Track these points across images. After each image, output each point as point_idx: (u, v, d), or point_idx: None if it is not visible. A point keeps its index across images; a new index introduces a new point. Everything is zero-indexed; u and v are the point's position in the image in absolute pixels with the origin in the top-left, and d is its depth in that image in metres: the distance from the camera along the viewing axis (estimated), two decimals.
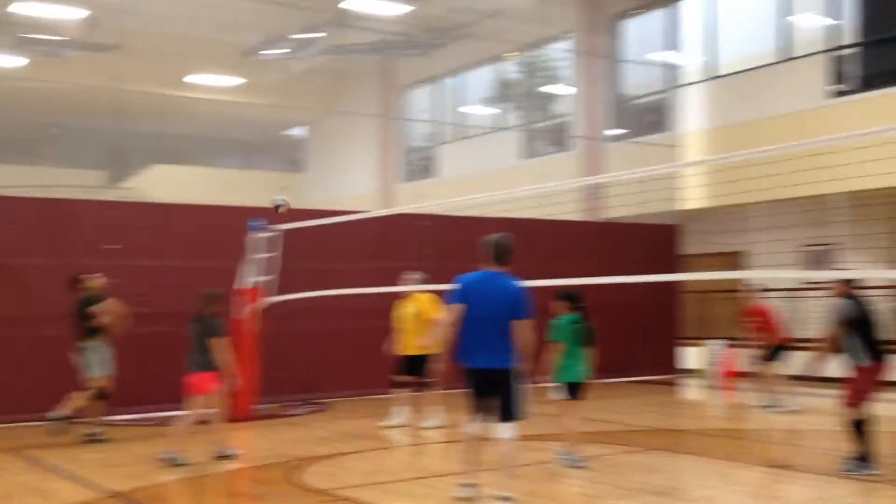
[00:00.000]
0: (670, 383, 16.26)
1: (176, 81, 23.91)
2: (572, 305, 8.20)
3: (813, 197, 15.07)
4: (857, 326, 7.67)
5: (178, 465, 8.12)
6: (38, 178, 22.97)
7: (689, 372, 16.58)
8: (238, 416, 11.44)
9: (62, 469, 8.32)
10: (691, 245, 17.92)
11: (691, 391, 14.88)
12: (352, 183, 27.37)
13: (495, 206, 15.25)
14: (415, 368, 10.55)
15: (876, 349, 7.72)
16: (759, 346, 12.03)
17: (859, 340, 7.66)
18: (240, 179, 27.59)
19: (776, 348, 11.96)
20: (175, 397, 12.23)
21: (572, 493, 7.21)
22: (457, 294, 6.72)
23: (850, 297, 7.83)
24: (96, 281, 10.33)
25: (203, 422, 8.51)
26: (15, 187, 20.35)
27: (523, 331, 6.52)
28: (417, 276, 11.09)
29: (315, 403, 13.19)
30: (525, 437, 9.18)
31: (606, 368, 15.99)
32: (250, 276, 11.98)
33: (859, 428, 7.58)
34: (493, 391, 6.59)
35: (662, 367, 17.09)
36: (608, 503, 6.72)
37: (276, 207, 10.26)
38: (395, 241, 14.53)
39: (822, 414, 12.19)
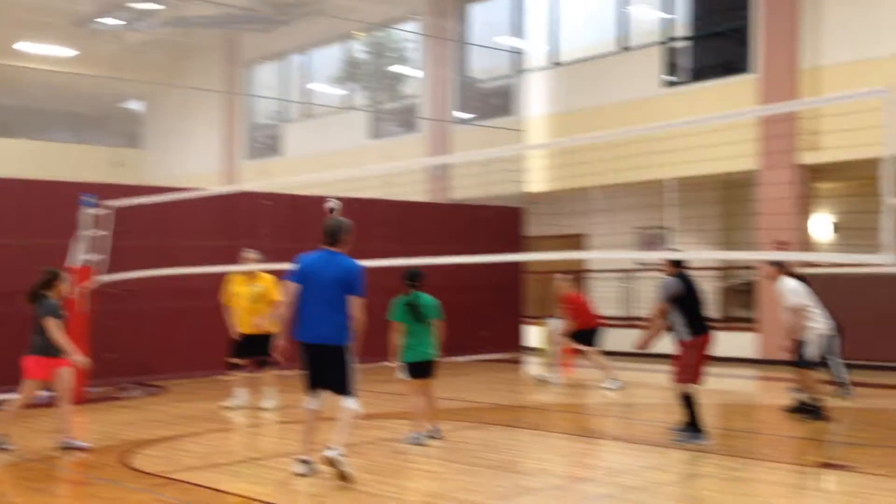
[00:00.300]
0: (515, 361, 16.64)
1: (3, 49, 22.46)
2: (410, 285, 8.22)
3: (648, 182, 15.72)
4: (682, 303, 7.96)
5: (2, 450, 7.69)
6: None
7: (532, 350, 17.00)
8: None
9: None
10: (535, 227, 18.37)
11: (533, 368, 15.26)
12: (194, 160, 26.53)
13: (341, 186, 15.12)
14: (253, 348, 10.33)
15: (700, 324, 8.04)
16: (572, 330, 12.56)
17: (684, 316, 7.96)
18: (72, 153, 26.23)
19: (591, 331, 12.49)
20: (3, 379, 11.59)
21: (413, 469, 7.26)
22: (295, 273, 6.87)
23: (678, 275, 8.11)
24: None
25: (41, 405, 8.12)
26: None
27: (355, 308, 6.71)
28: (256, 254, 10.83)
29: (150, 385, 12.74)
30: (369, 416, 9.20)
31: (452, 347, 16.37)
32: (81, 253, 11.41)
33: (688, 401, 7.91)
34: (328, 367, 6.72)
35: (507, 345, 17.46)
36: (447, 478, 6.79)
37: (331, 210, 9.68)
38: (238, 220, 14.19)
39: (654, 388, 12.79)
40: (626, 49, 17.76)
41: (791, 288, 9.42)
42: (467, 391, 12.33)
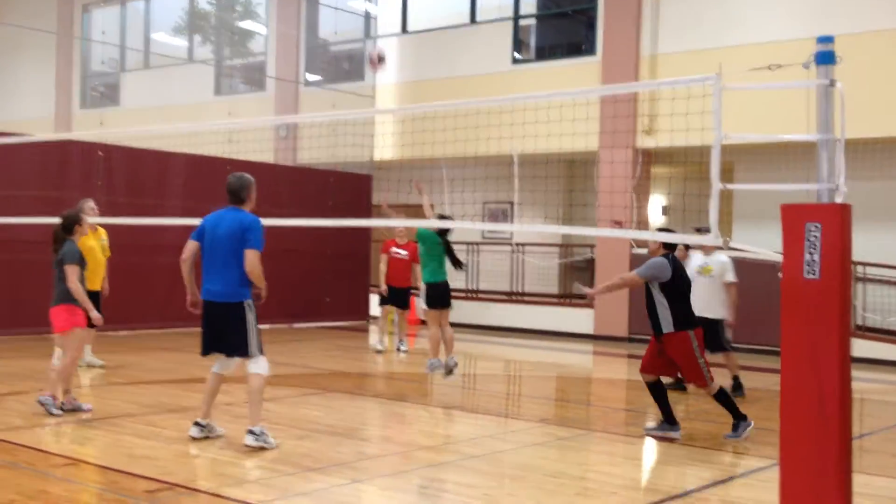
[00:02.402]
0: (361, 329, 16.63)
1: None
2: None
3: (495, 156, 15.97)
4: (669, 290, 7.30)
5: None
6: None
7: (375, 318, 17.04)
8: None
9: None
10: (382, 195, 18.30)
11: (374, 337, 15.30)
12: (21, 105, 24.89)
13: (182, 140, 14.60)
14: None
15: (690, 317, 7.39)
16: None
17: (670, 305, 7.30)
18: None
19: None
20: None
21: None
22: (196, 231, 6.74)
23: (666, 257, 7.41)
24: None
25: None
26: None
27: (249, 260, 6.48)
28: (91, 204, 10.24)
29: None
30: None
31: (297, 313, 16.24)
32: None
33: (724, 395, 7.45)
34: (226, 327, 6.56)
35: (353, 313, 17.42)
36: (287, 443, 6.72)
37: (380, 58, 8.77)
38: (69, 171, 13.47)
39: (494, 360, 13.08)
40: (476, 23, 17.91)
41: (729, 262, 9.38)
42: (310, 358, 12.24)
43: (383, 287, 12.71)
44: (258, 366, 6.59)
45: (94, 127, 21.74)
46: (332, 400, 8.92)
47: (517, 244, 17.92)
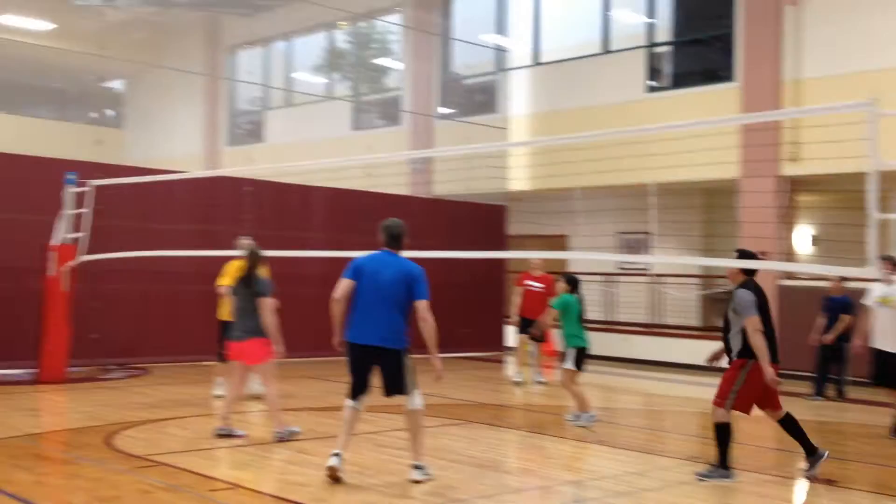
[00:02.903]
0: (497, 360, 16.69)
1: None
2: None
3: (630, 186, 15.83)
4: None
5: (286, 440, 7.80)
6: None
7: (512, 349, 17.08)
8: (50, 377, 10.88)
9: None
10: (517, 226, 18.44)
11: (512, 368, 15.33)
12: (174, 143, 26.27)
13: (323, 176, 15.10)
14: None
15: (772, 347, 6.86)
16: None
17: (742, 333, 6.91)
18: (51, 130, 25.89)
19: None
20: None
21: (397, 464, 7.26)
22: (349, 270, 6.63)
23: (749, 285, 7.00)
24: None
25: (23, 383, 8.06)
26: None
27: (423, 312, 6.46)
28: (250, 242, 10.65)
29: (134, 368, 12.67)
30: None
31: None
32: (64, 232, 11.31)
33: (723, 432, 7.06)
34: (383, 371, 6.55)
35: (489, 343, 17.51)
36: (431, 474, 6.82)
37: None
38: (219, 205, 14.12)
39: (637, 394, 12.89)
40: (609, 52, 17.86)
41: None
42: (448, 388, 12.37)
43: (513, 318, 12.84)
44: (416, 401, 6.61)
45: (241, 162, 22.71)
46: (473, 431, 8.99)
47: (655, 275, 17.63)
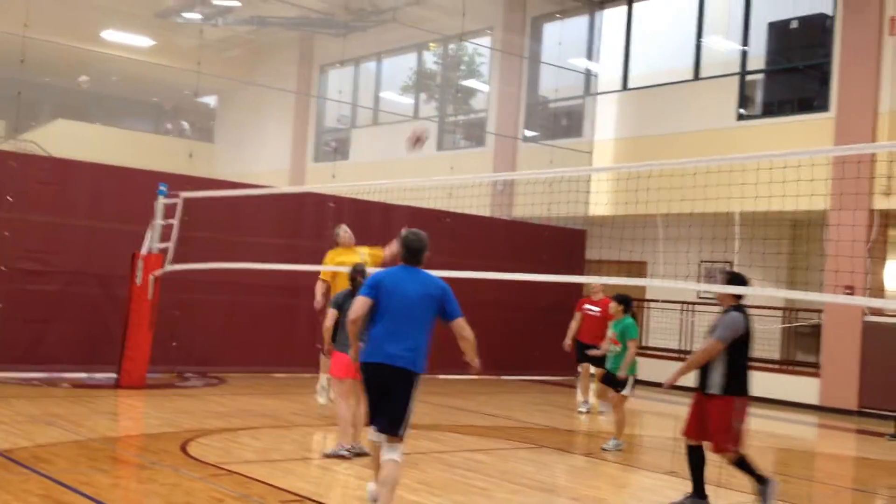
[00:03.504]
0: (570, 385, 16.53)
1: (88, 36, 23.03)
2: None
3: (714, 214, 15.53)
4: (733, 348, 6.70)
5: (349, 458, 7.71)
6: None
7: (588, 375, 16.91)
8: (130, 382, 11.19)
9: None
10: (596, 251, 18.27)
11: (581, 397, 15.16)
12: (261, 158, 26.89)
13: (407, 194, 15.24)
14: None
15: (745, 382, 6.80)
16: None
17: (727, 365, 6.72)
18: (144, 142, 26.80)
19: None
20: (68, 358, 11.93)
21: (464, 484, 7.25)
22: (368, 286, 6.03)
23: (738, 309, 6.84)
24: None
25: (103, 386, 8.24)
26: None
27: (464, 328, 5.94)
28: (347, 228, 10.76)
29: (210, 377, 12.95)
30: (423, 427, 9.26)
31: (504, 365, 16.42)
32: (153, 242, 11.66)
33: (743, 462, 6.87)
34: (391, 394, 5.81)
35: (564, 368, 17.36)
36: (499, 497, 6.78)
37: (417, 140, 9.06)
38: (303, 220, 14.38)
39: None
40: (701, 78, 17.62)
41: None
42: (519, 411, 12.31)
43: (567, 342, 12.68)
44: (398, 452, 5.78)
45: (326, 179, 23.08)
46: (542, 455, 8.92)
47: None
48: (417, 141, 10.11)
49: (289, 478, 7.05)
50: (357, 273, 7.97)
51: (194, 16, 22.39)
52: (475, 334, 6.00)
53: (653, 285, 17.58)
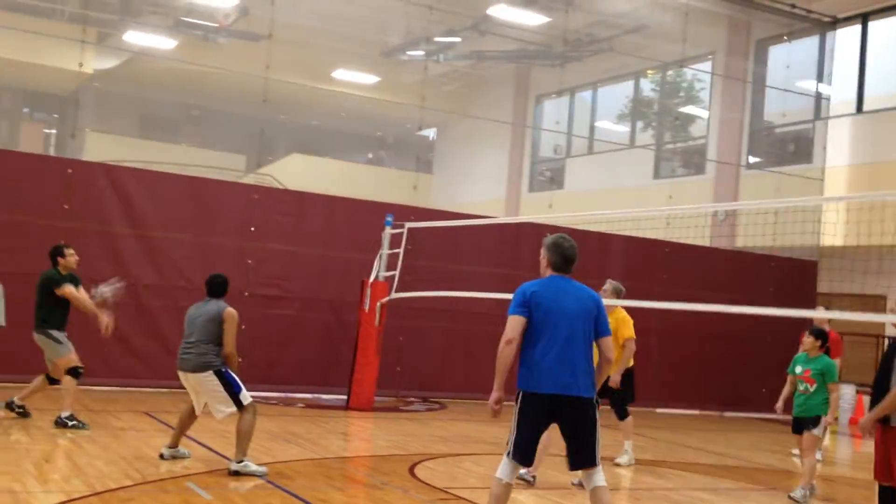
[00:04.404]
0: None
1: (320, 76, 24.49)
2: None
3: None
4: None
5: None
6: (180, 156, 23.90)
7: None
8: (358, 405, 11.70)
9: (192, 437, 8.62)
10: (828, 283, 17.25)
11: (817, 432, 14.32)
12: (478, 188, 27.45)
13: (623, 225, 15.06)
14: (615, 395, 9.88)
15: None
16: None
17: None
18: (370, 175, 28.09)
19: None
20: (302, 379, 12.65)
21: None
22: (520, 304, 5.37)
23: None
24: (71, 258, 8.89)
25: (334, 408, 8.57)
26: (157, 163, 21.21)
27: (608, 349, 5.37)
28: (609, 287, 10.15)
29: (432, 401, 13.31)
30: (643, 462, 9.05)
31: (727, 401, 15.79)
32: (380, 270, 12.18)
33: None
34: (575, 427, 5.25)
35: (789, 407, 16.48)
36: None
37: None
38: (520, 249, 14.52)
39: None
40: None
41: None
42: (747, 450, 11.79)
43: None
44: (602, 475, 5.25)
45: (541, 208, 23.22)
46: (776, 499, 8.48)
47: None
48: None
49: None
50: None
51: (417, 53, 23.27)
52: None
53: (893, 321, 16.41)
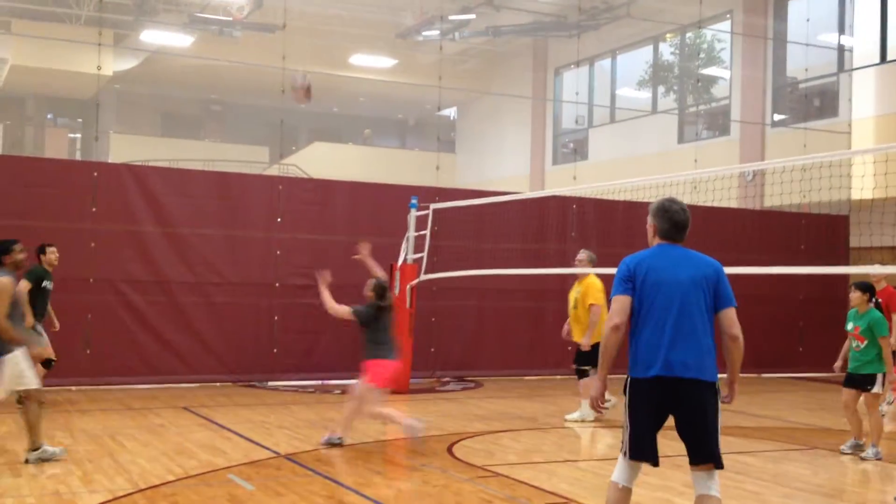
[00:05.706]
0: (838, 381, 15.54)
1: (337, 62, 24.50)
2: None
3: None
4: None
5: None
6: (204, 152, 24.06)
7: None
8: (395, 388, 11.76)
9: (231, 429, 8.73)
10: (861, 238, 17.04)
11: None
12: (501, 165, 27.38)
13: (647, 191, 14.94)
14: (580, 356, 9.99)
15: None
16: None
17: None
18: (393, 158, 28.11)
19: None
20: (337, 366, 12.74)
21: (734, 489, 7.00)
22: (625, 280, 4.72)
23: None
24: (52, 255, 9.57)
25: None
26: (182, 161, 21.39)
27: (733, 324, 4.70)
28: (586, 254, 10.26)
29: (467, 380, 13.35)
30: None
31: (765, 362, 15.70)
32: (408, 252, 12.20)
33: None
34: (692, 416, 4.58)
35: (828, 364, 16.35)
36: (772, 500, 6.49)
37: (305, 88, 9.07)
38: (546, 223, 14.47)
39: None
40: None
41: None
42: (785, 411, 11.73)
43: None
44: (718, 484, 4.61)
45: (566, 181, 23.11)
46: (816, 458, 8.43)
47: None
48: (307, 93, 9.84)
49: (552, 479, 7.12)
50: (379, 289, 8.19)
51: (433, 33, 23.20)
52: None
53: None
